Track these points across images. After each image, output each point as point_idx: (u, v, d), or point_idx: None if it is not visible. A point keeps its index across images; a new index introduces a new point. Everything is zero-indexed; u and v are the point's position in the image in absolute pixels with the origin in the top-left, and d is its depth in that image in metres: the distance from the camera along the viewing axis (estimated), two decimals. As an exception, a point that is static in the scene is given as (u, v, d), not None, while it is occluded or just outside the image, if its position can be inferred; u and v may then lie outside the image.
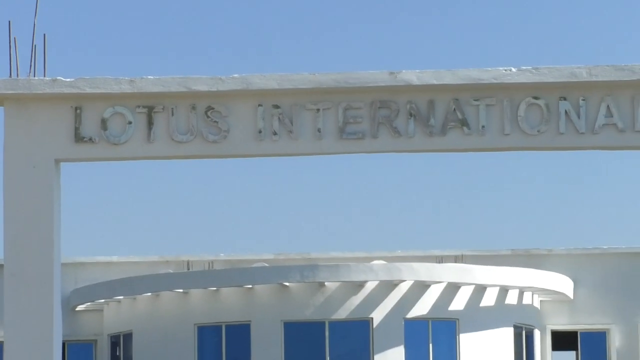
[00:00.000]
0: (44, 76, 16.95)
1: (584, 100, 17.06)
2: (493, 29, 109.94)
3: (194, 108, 17.10)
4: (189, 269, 59.62)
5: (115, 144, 17.15)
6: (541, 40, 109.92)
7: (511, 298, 58.35)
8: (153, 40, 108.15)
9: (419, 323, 56.81)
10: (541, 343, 60.03)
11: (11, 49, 16.63)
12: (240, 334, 57.04)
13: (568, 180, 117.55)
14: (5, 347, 16.95)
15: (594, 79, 17.03)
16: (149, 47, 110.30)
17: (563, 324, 60.46)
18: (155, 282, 58.52)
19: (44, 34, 16.81)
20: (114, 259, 61.03)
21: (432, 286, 56.83)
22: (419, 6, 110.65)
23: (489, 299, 57.65)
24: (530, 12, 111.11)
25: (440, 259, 58.85)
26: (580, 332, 60.65)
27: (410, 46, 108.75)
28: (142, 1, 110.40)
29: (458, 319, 57.10)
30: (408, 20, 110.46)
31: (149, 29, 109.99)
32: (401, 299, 56.71)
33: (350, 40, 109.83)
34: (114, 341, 60.36)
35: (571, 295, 59.68)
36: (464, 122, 17.11)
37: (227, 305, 57.36)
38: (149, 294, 58.43)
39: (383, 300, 56.60)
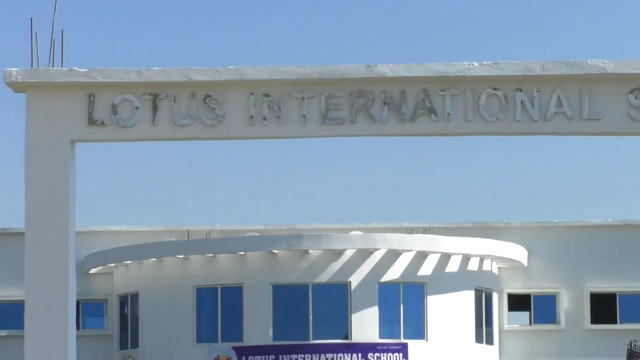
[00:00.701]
0: (62, 67, 16.97)
1: (537, 91, 17.10)
2: (459, 26, 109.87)
3: (193, 96, 17.13)
4: (188, 238, 59.60)
5: (124, 127, 17.17)
6: (501, 37, 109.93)
7: (472, 265, 58.45)
8: (158, 33, 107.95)
9: (391, 286, 56.88)
10: (499, 304, 60.07)
11: (32, 43, 16.66)
12: (233, 295, 57.07)
13: (524, 161, 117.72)
14: (26, 306, 16.97)
15: (547, 72, 17.07)
16: (154, 40, 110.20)
17: (518, 288, 60.48)
18: (158, 249, 58.57)
19: (62, 30, 16.84)
20: (123, 228, 61.00)
21: (403, 254, 56.94)
22: (395, 6, 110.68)
23: (453, 265, 57.78)
24: (492, 11, 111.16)
25: (411, 230, 58.87)
26: (533, 295, 60.68)
27: (385, 42, 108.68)
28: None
29: (426, 283, 57.20)
30: (384, 18, 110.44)
31: (154, 23, 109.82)
32: (376, 265, 56.80)
33: (332, 36, 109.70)
34: (123, 301, 60.34)
35: (525, 263, 59.75)
36: (431, 110, 17.15)
37: (222, 269, 57.41)
38: (154, 259, 58.50)
39: (360, 266, 56.69)
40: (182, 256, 57.99)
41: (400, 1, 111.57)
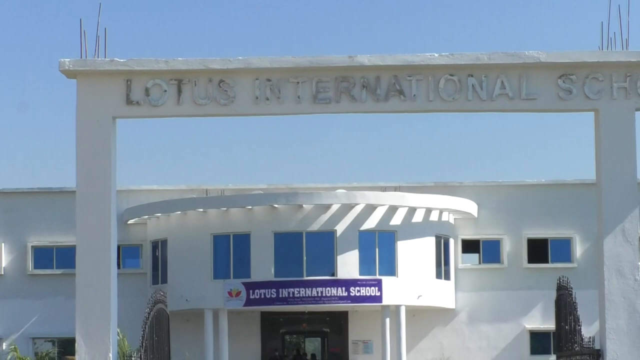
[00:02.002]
0: (105, 57, 16.91)
1: (485, 77, 17.04)
2: (422, 23, 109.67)
3: (210, 80, 17.07)
4: (207, 195, 59.51)
5: (154, 106, 17.13)
6: (456, 31, 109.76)
7: (433, 216, 58.41)
8: (181, 28, 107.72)
9: (368, 234, 56.82)
10: (454, 248, 60.01)
11: (82, 39, 16.59)
12: (242, 241, 57.01)
13: (475, 132, 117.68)
14: (77, 250, 16.93)
15: (492, 62, 17.01)
16: (178, 34, 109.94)
17: (469, 235, 60.39)
18: (183, 204, 58.51)
19: (105, 28, 16.79)
20: (154, 187, 60.86)
21: (378, 207, 56.90)
22: (372, 6, 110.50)
23: (417, 217, 57.75)
24: (449, 10, 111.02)
25: (384, 188, 58.76)
26: (482, 240, 60.59)
27: (363, 36, 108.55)
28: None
29: (396, 231, 57.14)
30: (363, 16, 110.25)
31: (178, 20, 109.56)
32: (356, 216, 56.76)
33: (321, 30, 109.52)
34: (154, 246, 60.26)
35: (476, 215, 59.70)
36: (401, 92, 17.07)
37: (233, 220, 57.36)
38: (179, 212, 58.42)
39: (343, 217, 56.66)
40: (201, 210, 57.98)
41: (377, 3, 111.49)
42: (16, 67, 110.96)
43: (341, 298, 56.23)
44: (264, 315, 59.39)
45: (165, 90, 17.21)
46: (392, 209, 57.12)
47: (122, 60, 17.12)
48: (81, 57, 16.98)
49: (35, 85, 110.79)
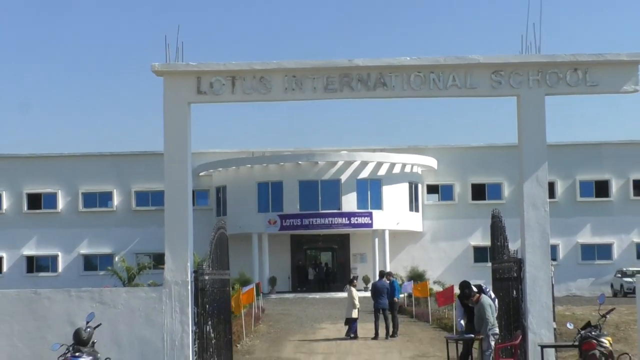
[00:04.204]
0: (182, 61, 16.89)
1: (441, 73, 17.00)
2: (400, 33, 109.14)
3: (254, 77, 17.02)
4: (252, 155, 59.63)
5: (216, 95, 17.09)
6: (423, 39, 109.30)
7: (407, 169, 58.52)
8: (234, 39, 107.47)
9: (363, 181, 57.00)
10: (421, 190, 60.14)
11: (166, 49, 16.55)
12: (277, 187, 57.24)
13: (435, 111, 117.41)
14: (166, 193, 16.98)
15: (447, 63, 16.95)
16: (232, 44, 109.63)
17: (432, 182, 60.47)
18: (236, 161, 58.75)
19: (182, 42, 16.76)
20: (217, 150, 61.13)
21: (369, 163, 57.08)
22: (365, 22, 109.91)
23: (396, 169, 57.87)
24: (419, 22, 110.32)
25: (374, 150, 58.86)
26: (440, 185, 60.72)
27: (359, 43, 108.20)
28: (233, 18, 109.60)
29: (382, 179, 57.27)
30: (359, 30, 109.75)
31: (231, 34, 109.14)
32: (354, 169, 56.89)
33: (329, 39, 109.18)
34: (217, 190, 60.47)
35: (436, 167, 59.76)
36: (384, 84, 17.01)
37: (271, 173, 57.48)
38: (234, 167, 58.65)
39: (345, 170, 56.80)
40: (249, 165, 58.21)
41: (368, 20, 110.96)
42: (122, 69, 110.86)
43: (345, 225, 56.43)
44: (292, 237, 59.62)
45: (224, 84, 17.14)
46: (379, 164, 57.36)
47: (194, 64, 17.09)
48: (166, 61, 16.95)
49: (131, 81, 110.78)
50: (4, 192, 61.36)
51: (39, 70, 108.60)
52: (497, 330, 17.17)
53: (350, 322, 28.69)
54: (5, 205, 61.48)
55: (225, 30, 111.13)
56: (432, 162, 59.41)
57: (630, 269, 53.84)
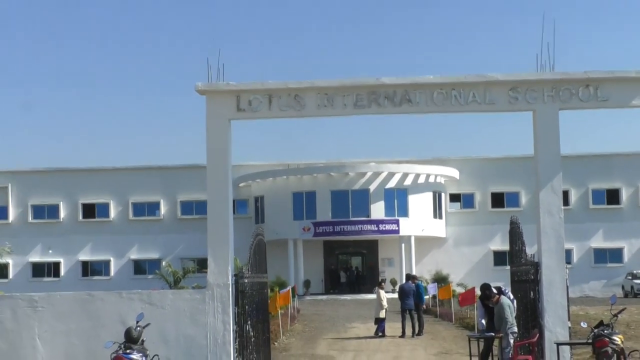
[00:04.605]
0: (223, 81, 16.93)
1: (462, 90, 16.92)
2: (424, 55, 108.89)
3: (289, 95, 17.02)
4: (288, 167, 59.68)
5: (254, 112, 17.10)
6: (445, 60, 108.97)
7: (431, 179, 58.38)
8: (271, 59, 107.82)
9: (390, 191, 56.91)
10: (444, 199, 59.95)
11: (208, 71, 16.59)
12: (311, 196, 57.28)
13: (457, 126, 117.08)
14: (208, 203, 17.01)
15: (467, 80, 16.89)
16: (269, 64, 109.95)
17: (454, 191, 60.32)
18: (274, 173, 58.88)
19: (223, 64, 16.78)
20: (256, 163, 61.38)
21: (396, 174, 56.96)
22: (389, 46, 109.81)
23: (421, 180, 57.74)
24: (439, 46, 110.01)
25: (399, 162, 58.74)
26: (462, 194, 60.53)
27: (385, 64, 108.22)
28: (267, 38, 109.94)
29: (408, 189, 57.15)
30: (385, 52, 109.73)
31: (268, 55, 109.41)
32: (382, 180, 56.85)
33: (358, 60, 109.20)
34: (256, 199, 60.59)
35: (458, 177, 59.57)
36: (409, 100, 16.95)
37: (305, 183, 57.51)
38: (271, 178, 58.75)
39: (374, 180, 56.75)
40: (285, 177, 58.33)
41: (394, 44, 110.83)
42: (168, 89, 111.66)
43: (373, 231, 56.35)
44: (325, 243, 59.59)
45: (261, 102, 17.14)
46: (405, 175, 57.27)
47: (233, 84, 17.11)
48: (208, 81, 16.99)
49: (177, 99, 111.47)
50: (61, 203, 62.05)
51: (97, 94, 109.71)
52: (515, 329, 17.07)
53: (379, 322, 28.66)
54: (62, 215, 62.14)
55: (260, 49, 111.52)
56: (454, 172, 59.22)
57: (640, 271, 53.74)
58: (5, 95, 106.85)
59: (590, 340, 14.71)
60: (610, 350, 14.03)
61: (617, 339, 14.30)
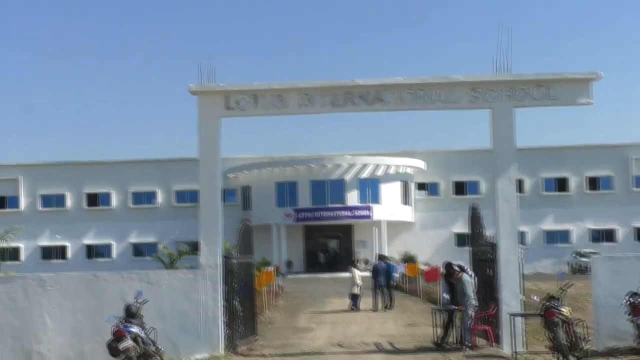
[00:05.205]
0: (214, 82, 16.85)
1: (428, 90, 16.97)
2: (393, 57, 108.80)
3: (272, 95, 17.00)
4: (272, 160, 59.55)
5: (242, 110, 17.06)
6: (412, 62, 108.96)
7: (400, 170, 58.38)
8: (256, 64, 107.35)
9: (364, 181, 56.90)
10: (412, 187, 60.03)
11: (199, 73, 16.54)
12: (293, 186, 57.17)
13: (424, 122, 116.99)
14: (200, 192, 16.97)
15: (432, 81, 16.92)
16: (254, 68, 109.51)
17: (421, 180, 60.39)
18: (258, 165, 58.66)
19: (214, 67, 16.77)
20: (243, 155, 61.04)
21: (369, 165, 56.93)
22: (364, 48, 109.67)
23: (391, 170, 57.73)
24: (410, 50, 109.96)
25: (372, 154, 58.71)
26: (428, 183, 60.58)
27: (360, 67, 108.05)
28: (253, 40, 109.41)
29: (380, 178, 57.16)
30: (359, 56, 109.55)
31: (254, 60, 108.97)
32: (356, 171, 56.78)
33: (334, 62, 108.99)
34: (243, 189, 60.46)
35: (425, 168, 59.65)
36: (381, 99, 16.99)
37: (287, 174, 57.38)
38: (256, 170, 58.57)
39: (349, 171, 56.68)
40: (269, 168, 58.10)
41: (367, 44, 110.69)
42: (161, 91, 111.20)
43: (348, 217, 56.40)
44: (305, 227, 59.53)
45: (248, 101, 17.09)
46: (377, 166, 57.26)
47: (223, 85, 17.03)
48: (200, 83, 16.92)
49: (167, 100, 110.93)
50: (67, 193, 61.80)
51: (99, 95, 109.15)
52: (475, 302, 17.15)
53: (354, 297, 28.70)
54: (68, 204, 61.90)
55: (248, 54, 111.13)
56: (421, 164, 59.28)
57: (585, 250, 54.14)
58: (7, 97, 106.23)
59: (541, 312, 14.81)
60: (558, 321, 14.15)
61: (565, 310, 14.40)
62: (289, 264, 56.95)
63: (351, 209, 56.08)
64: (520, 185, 57.35)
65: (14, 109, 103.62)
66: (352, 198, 56.42)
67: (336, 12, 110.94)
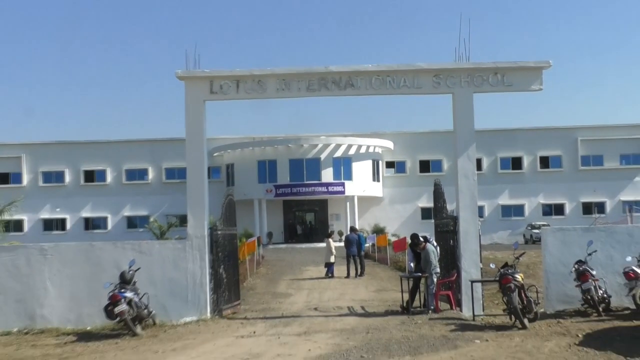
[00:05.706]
0: (199, 68, 16.74)
1: (395, 76, 16.96)
2: (363, 44, 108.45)
3: (253, 80, 16.92)
4: (254, 140, 59.33)
5: (225, 94, 16.98)
6: (386, 50, 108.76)
7: (371, 149, 58.37)
8: (236, 50, 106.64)
9: (337, 159, 56.79)
10: (381, 166, 60.12)
11: (186, 60, 16.39)
12: (273, 164, 56.91)
13: (392, 105, 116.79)
14: (187, 168, 16.92)
15: (399, 69, 16.92)
16: (235, 54, 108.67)
17: (389, 159, 60.46)
18: (241, 145, 58.37)
19: (199, 54, 16.62)
20: (227, 136, 60.75)
21: (342, 145, 56.81)
22: (339, 38, 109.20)
23: (362, 150, 57.68)
24: (378, 37, 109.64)
25: (345, 135, 58.61)
26: (396, 162, 60.62)
27: (333, 54, 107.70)
28: (237, 28, 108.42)
29: (352, 157, 57.14)
30: (332, 47, 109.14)
31: (236, 46, 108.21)
32: (331, 150, 56.66)
33: (311, 49, 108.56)
34: (227, 166, 60.17)
35: (392, 148, 59.70)
36: (352, 85, 16.98)
37: (268, 153, 57.14)
38: (239, 149, 58.31)
39: (324, 151, 56.53)
40: (251, 148, 57.83)
41: (343, 35, 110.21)
42: (147, 76, 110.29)
43: (324, 192, 56.35)
44: (284, 202, 59.49)
45: (230, 86, 17.01)
46: (349, 146, 57.16)
47: (207, 71, 16.92)
48: (186, 69, 16.80)
49: (157, 85, 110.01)
50: (66, 170, 61.41)
51: (96, 82, 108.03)
52: (438, 270, 17.28)
53: (329, 265, 28.82)
54: (67, 180, 61.50)
55: (231, 41, 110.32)
56: (389, 144, 59.33)
57: (537, 223, 54.71)
58: (10, 94, 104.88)
59: (497, 278, 14.97)
60: (512, 286, 14.29)
61: (519, 277, 14.55)
62: (270, 235, 56.97)
63: (326, 185, 56.10)
64: (478, 163, 57.83)
65: (18, 96, 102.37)
66: (327, 175, 56.41)
67: (314, 4, 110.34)
